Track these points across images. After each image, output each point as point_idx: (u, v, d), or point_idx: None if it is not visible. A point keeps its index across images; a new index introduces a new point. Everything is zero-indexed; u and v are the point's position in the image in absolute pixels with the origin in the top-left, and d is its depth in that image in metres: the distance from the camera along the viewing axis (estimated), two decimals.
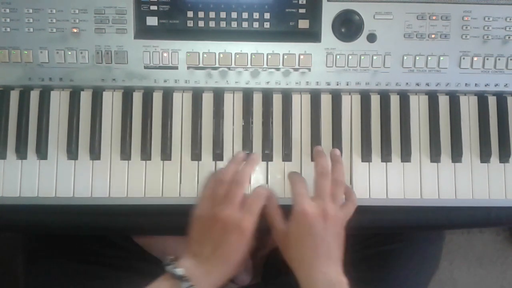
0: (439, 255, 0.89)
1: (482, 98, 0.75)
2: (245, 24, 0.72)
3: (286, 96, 0.74)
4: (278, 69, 0.73)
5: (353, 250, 0.86)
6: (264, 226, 0.74)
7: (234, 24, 0.72)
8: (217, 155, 0.73)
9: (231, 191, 0.67)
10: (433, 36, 0.72)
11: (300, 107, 0.74)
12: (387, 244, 0.83)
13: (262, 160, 0.73)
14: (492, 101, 0.76)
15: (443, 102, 0.75)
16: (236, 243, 0.65)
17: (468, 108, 0.76)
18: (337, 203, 0.67)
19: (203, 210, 0.67)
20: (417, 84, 0.74)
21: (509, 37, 0.73)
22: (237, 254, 0.65)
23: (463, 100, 0.75)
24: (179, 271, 0.62)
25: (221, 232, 0.65)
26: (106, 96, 0.74)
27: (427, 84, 0.74)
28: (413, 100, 0.75)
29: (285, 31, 0.73)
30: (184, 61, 0.72)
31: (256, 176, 0.73)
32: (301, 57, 0.72)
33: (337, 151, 0.71)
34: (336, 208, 0.67)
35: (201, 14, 0.71)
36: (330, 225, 0.65)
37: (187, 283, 0.61)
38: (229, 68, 0.73)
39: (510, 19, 0.72)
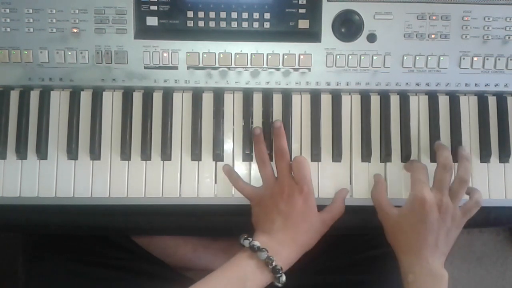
0: None
1: (482, 98, 0.75)
2: (245, 24, 0.72)
3: (286, 96, 0.74)
4: (278, 69, 0.73)
5: (353, 251, 0.86)
6: None
7: (234, 24, 0.72)
8: (217, 155, 0.73)
9: (278, 168, 0.70)
10: (433, 36, 0.72)
11: (300, 107, 0.74)
12: (387, 245, 0.83)
13: None
14: (492, 101, 0.76)
15: (443, 102, 0.75)
16: (303, 208, 0.67)
17: (468, 108, 0.76)
18: (457, 200, 0.67)
19: (259, 191, 0.71)
20: (417, 84, 0.74)
21: (509, 37, 0.73)
22: (308, 221, 0.68)
23: (463, 100, 0.75)
24: (256, 243, 0.64)
25: (287, 203, 0.67)
26: (106, 96, 0.74)
27: (427, 84, 0.74)
28: (413, 100, 0.75)
29: (285, 31, 0.72)
30: (184, 61, 0.72)
31: (257, 176, 0.73)
32: (301, 57, 0.72)
33: (467, 149, 0.72)
34: (454, 204, 0.67)
35: (201, 14, 0.71)
36: (444, 218, 0.66)
37: (265, 253, 0.63)
38: (229, 68, 0.72)
39: (510, 19, 0.72)
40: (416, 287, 0.65)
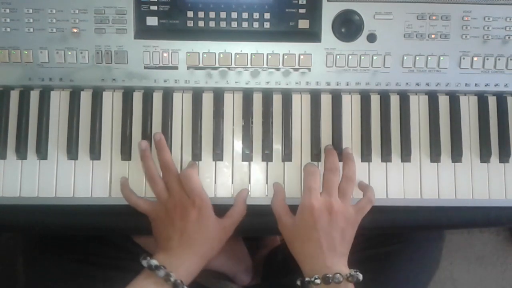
0: (439, 255, 0.89)
1: (482, 98, 0.75)
2: (245, 24, 0.72)
3: (286, 96, 0.74)
4: (278, 69, 0.73)
5: (353, 251, 0.86)
6: (264, 226, 0.74)
7: (234, 24, 0.72)
8: (217, 155, 0.73)
9: (167, 182, 0.69)
10: (433, 36, 0.72)
11: (300, 107, 0.74)
12: (387, 245, 0.83)
13: (262, 160, 0.73)
14: (492, 101, 0.76)
15: (443, 102, 0.75)
16: (198, 220, 0.67)
17: (468, 108, 0.76)
18: (346, 199, 0.68)
19: (154, 206, 0.70)
20: (417, 84, 0.74)
21: (509, 37, 0.73)
22: (206, 231, 0.68)
23: (463, 100, 0.75)
24: (153, 262, 0.64)
25: (181, 218, 0.67)
26: (106, 96, 0.74)
27: (427, 84, 0.74)
28: (413, 100, 0.75)
29: (285, 31, 0.73)
30: (184, 61, 0.72)
31: (257, 176, 0.73)
32: (301, 57, 0.72)
33: (349, 149, 0.72)
34: (344, 203, 0.68)
35: (201, 14, 0.71)
36: (335, 220, 0.66)
37: (163, 271, 0.63)
38: (229, 68, 0.73)
39: (510, 19, 0.72)
40: None
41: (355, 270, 0.66)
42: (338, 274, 0.64)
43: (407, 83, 0.74)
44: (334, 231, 0.66)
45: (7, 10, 0.70)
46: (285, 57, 0.72)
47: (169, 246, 0.67)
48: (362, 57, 0.72)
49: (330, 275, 0.64)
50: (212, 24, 0.72)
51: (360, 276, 0.65)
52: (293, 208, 0.72)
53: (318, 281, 0.64)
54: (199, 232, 0.67)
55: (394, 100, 0.75)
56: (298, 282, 0.67)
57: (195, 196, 0.68)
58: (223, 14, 0.72)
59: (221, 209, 0.73)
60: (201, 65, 0.72)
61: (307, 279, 0.65)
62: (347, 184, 0.69)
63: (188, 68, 0.72)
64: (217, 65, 0.72)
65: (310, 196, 0.67)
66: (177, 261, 0.66)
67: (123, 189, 0.71)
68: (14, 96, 0.73)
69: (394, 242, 0.84)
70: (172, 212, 0.68)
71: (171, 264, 0.65)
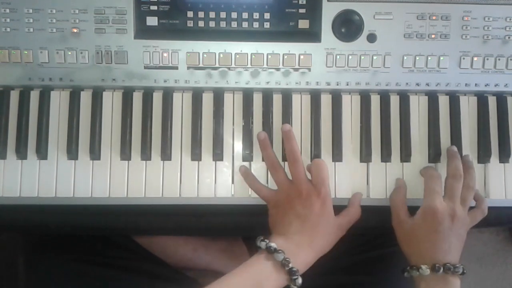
0: None
1: (482, 98, 0.75)
2: (245, 24, 0.72)
3: (286, 96, 0.74)
4: (278, 69, 0.73)
5: (353, 252, 0.86)
6: (264, 226, 0.74)
7: (234, 24, 0.72)
8: (217, 155, 0.73)
9: (293, 171, 0.69)
10: (433, 36, 0.72)
11: (300, 107, 0.74)
12: (388, 246, 0.83)
13: (262, 160, 0.73)
14: (492, 101, 0.76)
15: (443, 102, 0.75)
16: (321, 212, 0.67)
17: (468, 108, 0.76)
18: (466, 207, 0.69)
19: (275, 194, 0.70)
20: (417, 84, 0.74)
21: (509, 37, 0.73)
22: (325, 224, 0.68)
23: (463, 100, 0.75)
24: (273, 244, 0.64)
25: (304, 205, 0.67)
26: (106, 96, 0.74)
27: (427, 84, 0.74)
28: (413, 100, 0.75)
29: (285, 31, 0.72)
30: (184, 61, 0.72)
31: (257, 176, 0.73)
32: (301, 57, 0.72)
33: (469, 157, 0.73)
34: (464, 211, 0.69)
35: (201, 14, 0.71)
36: (456, 226, 0.67)
37: (282, 255, 0.63)
38: (229, 68, 0.72)
39: (510, 19, 0.72)
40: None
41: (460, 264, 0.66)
42: (448, 264, 0.65)
43: (407, 83, 0.74)
44: (453, 237, 0.67)
45: (7, 10, 0.70)
46: (285, 57, 0.72)
47: (289, 232, 0.66)
48: (362, 57, 0.72)
49: (440, 264, 0.65)
50: (212, 24, 0.72)
51: (465, 271, 0.66)
52: None
53: (427, 269, 0.65)
54: (319, 224, 0.67)
55: (394, 100, 0.75)
56: (406, 274, 0.68)
57: (322, 187, 0.68)
58: (223, 14, 0.72)
59: (223, 209, 0.73)
60: (201, 65, 0.72)
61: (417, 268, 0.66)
62: (468, 192, 0.70)
63: (188, 68, 0.72)
64: (217, 65, 0.72)
65: (434, 199, 0.68)
66: (295, 248, 0.65)
67: (246, 176, 0.72)
68: (14, 96, 0.73)
69: (395, 243, 0.84)
70: (295, 199, 0.68)
71: (289, 250, 0.64)
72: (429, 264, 0.66)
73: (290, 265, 0.63)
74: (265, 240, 0.65)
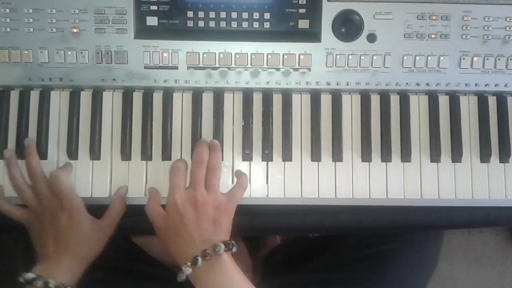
0: (437, 254, 0.89)
1: (482, 98, 0.75)
2: (245, 24, 0.72)
3: (286, 96, 0.74)
4: (278, 69, 0.73)
5: (352, 249, 0.86)
6: (264, 226, 0.74)
7: (234, 24, 0.72)
8: None
9: (34, 186, 0.68)
10: (433, 36, 0.72)
11: (300, 107, 0.74)
12: (385, 243, 0.83)
13: (262, 160, 0.73)
14: (492, 101, 0.76)
15: (443, 102, 0.75)
16: (70, 223, 0.66)
17: (468, 108, 0.76)
18: (213, 189, 0.67)
19: (26, 214, 0.69)
20: (417, 84, 0.74)
21: (509, 37, 0.73)
22: (81, 233, 0.67)
23: (463, 100, 0.75)
24: (29, 275, 0.64)
25: (51, 223, 0.67)
26: (106, 96, 0.74)
27: (427, 84, 0.74)
28: (413, 100, 0.75)
29: (285, 31, 0.73)
30: (184, 61, 0.72)
31: (257, 176, 0.73)
32: (301, 57, 0.72)
33: (216, 141, 0.71)
34: (210, 194, 0.67)
35: (201, 14, 0.71)
36: (202, 211, 0.65)
37: (41, 281, 0.63)
38: (229, 68, 0.73)
39: (510, 19, 0.72)
40: (200, 285, 0.64)
41: (225, 240, 0.64)
42: (207, 251, 0.62)
43: (407, 83, 0.74)
44: (205, 223, 0.65)
45: (7, 10, 0.70)
46: (285, 57, 0.72)
47: (45, 254, 0.66)
48: (362, 57, 0.72)
49: (198, 255, 0.63)
50: (212, 24, 0.72)
51: (232, 246, 0.64)
52: (292, 208, 0.72)
53: (188, 268, 0.63)
54: (73, 236, 0.67)
55: (394, 100, 0.75)
56: (178, 278, 0.65)
57: (62, 198, 0.67)
58: (223, 14, 0.72)
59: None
60: (201, 65, 0.72)
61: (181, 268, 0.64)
62: (211, 174, 0.68)
63: (188, 68, 0.72)
64: (217, 65, 0.72)
65: (173, 193, 0.66)
66: (54, 267, 0.65)
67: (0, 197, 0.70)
68: (14, 96, 0.73)
69: (392, 241, 0.84)
70: (42, 217, 0.67)
71: (48, 272, 0.64)
72: (189, 260, 0.63)
73: (51, 285, 0.63)
74: (22, 273, 0.64)
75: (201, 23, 0.72)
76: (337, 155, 0.73)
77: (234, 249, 0.64)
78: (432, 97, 0.75)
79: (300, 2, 0.72)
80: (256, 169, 0.73)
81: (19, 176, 0.69)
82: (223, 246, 0.63)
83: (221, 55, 0.72)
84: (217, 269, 0.63)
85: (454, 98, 0.75)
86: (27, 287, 0.64)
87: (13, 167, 0.69)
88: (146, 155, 0.72)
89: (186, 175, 0.69)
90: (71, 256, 0.66)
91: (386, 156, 0.74)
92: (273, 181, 0.73)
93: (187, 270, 0.63)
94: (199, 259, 0.63)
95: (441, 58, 0.73)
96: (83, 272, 0.68)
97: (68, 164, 0.71)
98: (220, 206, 0.67)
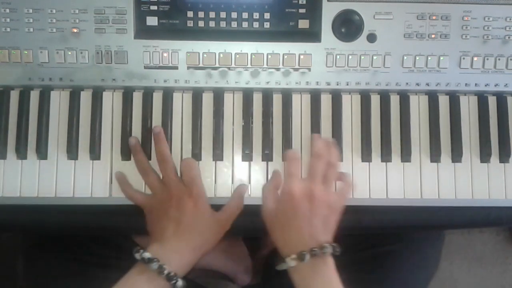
0: (438, 255, 0.89)
1: (482, 98, 0.75)
2: (245, 24, 0.72)
3: (286, 96, 0.74)
4: (278, 69, 0.73)
5: (352, 250, 0.86)
6: (262, 227, 0.74)
7: (234, 24, 0.72)
8: (217, 155, 0.73)
9: (163, 173, 0.70)
10: (433, 36, 0.72)
11: (300, 107, 0.74)
12: (386, 244, 0.83)
13: (262, 160, 0.73)
14: (492, 101, 0.76)
15: (443, 102, 0.75)
16: (194, 211, 0.67)
17: (468, 108, 0.76)
18: (329, 185, 0.67)
19: (149, 199, 0.70)
20: (417, 84, 0.74)
21: (509, 37, 0.73)
22: (201, 223, 0.67)
23: (463, 100, 0.75)
24: (146, 254, 0.64)
25: (177, 208, 0.67)
26: (106, 96, 0.74)
27: (427, 84, 0.74)
28: (413, 100, 0.75)
29: (285, 31, 0.73)
30: (184, 61, 0.72)
31: (257, 176, 0.73)
32: (301, 57, 0.72)
33: (333, 139, 0.72)
34: (326, 190, 0.66)
35: (201, 14, 0.72)
36: (317, 206, 0.64)
37: (156, 264, 0.63)
38: (229, 68, 0.73)
39: (510, 19, 0.72)
40: (299, 279, 0.63)
41: (332, 243, 0.63)
42: (315, 249, 0.61)
43: (407, 83, 0.74)
44: (316, 219, 0.64)
45: (7, 10, 0.70)
46: (285, 57, 0.72)
47: (164, 237, 0.66)
48: (362, 57, 0.72)
49: (305, 251, 0.61)
50: (212, 24, 0.72)
51: (338, 250, 0.63)
52: None
53: (293, 261, 0.62)
54: (194, 224, 0.67)
55: (394, 100, 0.75)
56: (277, 268, 0.64)
57: (193, 186, 0.68)
58: (223, 14, 0.72)
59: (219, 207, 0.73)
60: (201, 65, 0.72)
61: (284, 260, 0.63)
62: (330, 169, 0.67)
63: (188, 68, 0.72)
64: (217, 65, 0.72)
65: (290, 182, 0.65)
66: (170, 252, 0.65)
67: (120, 183, 0.71)
68: (14, 96, 0.73)
69: (393, 242, 0.84)
70: (167, 202, 0.67)
71: (164, 256, 0.64)
72: (295, 253, 0.62)
73: (165, 271, 0.62)
74: (140, 250, 0.64)
75: (201, 23, 0.72)
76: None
77: (338, 253, 0.63)
78: (432, 97, 0.75)
79: (300, 2, 0.72)
80: (256, 169, 0.73)
81: (145, 160, 0.71)
82: (330, 247, 0.62)
83: (221, 55, 0.72)
84: (320, 270, 0.62)
85: (454, 98, 0.75)
86: (139, 264, 0.64)
87: (139, 152, 0.71)
88: (146, 155, 0.72)
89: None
90: (188, 243, 0.66)
91: (386, 156, 0.74)
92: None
93: (291, 263, 0.62)
94: (307, 256, 0.61)
95: (441, 58, 0.73)
96: (193, 264, 0.67)
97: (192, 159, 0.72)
98: (332, 205, 0.66)
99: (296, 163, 0.68)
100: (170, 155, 0.71)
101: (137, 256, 0.64)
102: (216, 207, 0.71)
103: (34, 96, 0.73)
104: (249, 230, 0.75)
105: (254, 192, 0.73)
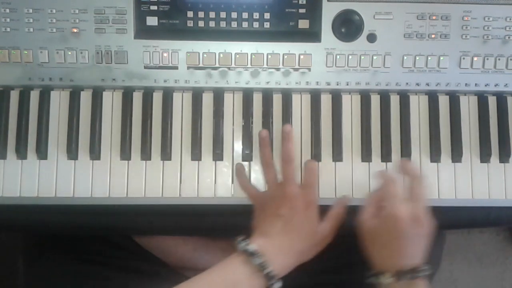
0: (439, 255, 0.88)
1: (482, 98, 0.75)
2: (245, 24, 0.72)
3: (286, 96, 0.74)
4: (278, 69, 0.73)
5: (352, 251, 0.86)
6: None
7: (234, 24, 0.72)
8: (217, 155, 0.73)
9: (284, 171, 0.69)
10: (433, 36, 0.72)
11: (300, 107, 0.74)
12: None
13: None
14: (492, 101, 0.76)
15: (443, 102, 0.75)
16: (304, 215, 0.67)
17: (468, 108, 0.76)
18: (426, 211, 0.66)
19: (263, 194, 0.70)
20: (417, 84, 0.74)
21: (509, 37, 0.73)
22: (308, 228, 0.67)
23: (463, 100, 0.75)
24: (252, 247, 0.62)
25: (290, 206, 0.66)
26: (106, 96, 0.74)
27: (427, 84, 0.74)
28: (413, 100, 0.75)
29: (285, 31, 0.73)
30: (184, 61, 0.72)
31: (257, 176, 0.73)
32: (301, 57, 0.72)
33: (416, 166, 0.71)
34: (426, 215, 0.66)
35: (201, 14, 0.72)
36: (421, 231, 0.64)
37: (260, 259, 0.62)
38: (229, 68, 0.73)
39: (510, 19, 0.72)
40: None
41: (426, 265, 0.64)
42: (414, 270, 0.62)
43: (407, 83, 0.74)
44: (417, 240, 0.64)
45: (7, 10, 0.70)
46: (285, 57, 0.72)
47: (270, 232, 0.65)
48: (362, 57, 0.72)
49: (403, 270, 0.62)
50: (212, 24, 0.72)
51: (430, 270, 0.64)
52: None
53: (390, 278, 0.63)
54: (302, 226, 0.66)
55: (394, 100, 0.75)
56: (368, 280, 0.66)
57: (309, 190, 0.68)
58: (223, 14, 0.72)
59: (223, 209, 0.73)
60: (201, 65, 0.72)
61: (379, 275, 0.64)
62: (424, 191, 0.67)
63: (188, 68, 0.72)
64: (217, 65, 0.72)
65: (394, 204, 0.64)
66: (274, 250, 0.63)
67: (239, 173, 0.72)
68: (14, 96, 0.73)
69: None
70: (280, 200, 0.67)
71: (268, 252, 0.62)
72: (391, 271, 0.63)
73: (267, 270, 0.61)
74: (245, 240, 0.63)
75: (201, 23, 0.72)
76: (337, 155, 0.73)
77: (427, 273, 0.64)
78: (432, 97, 0.75)
79: (300, 2, 0.72)
80: (256, 169, 0.73)
81: (270, 155, 0.71)
82: (427, 270, 0.63)
83: (221, 55, 0.72)
84: None
85: (454, 98, 0.75)
86: (238, 256, 0.63)
87: (267, 145, 0.71)
88: (146, 155, 0.72)
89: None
90: (292, 245, 0.65)
91: (386, 156, 0.74)
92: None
93: (388, 279, 0.63)
94: (406, 276, 0.62)
95: (441, 58, 0.73)
96: (292, 268, 0.65)
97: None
98: (429, 230, 0.66)
99: (396, 184, 0.66)
100: (294, 157, 0.70)
101: (241, 246, 0.63)
102: (217, 210, 0.71)
103: (34, 96, 0.73)
104: (249, 230, 0.75)
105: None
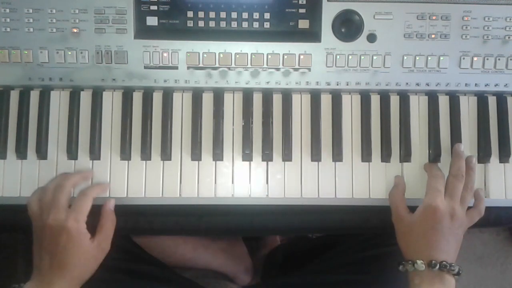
0: None
1: (482, 98, 0.75)
2: (245, 24, 0.72)
3: (286, 96, 0.74)
4: (278, 69, 0.73)
5: (353, 251, 0.86)
6: (264, 226, 0.74)
7: (234, 24, 0.72)
8: (217, 155, 0.73)
9: (54, 197, 0.67)
10: (433, 36, 0.72)
11: (300, 107, 0.74)
12: (388, 245, 0.83)
13: (262, 160, 0.73)
14: (492, 101, 0.76)
15: (443, 102, 0.75)
16: (67, 245, 0.64)
17: (468, 108, 0.76)
18: (465, 207, 0.70)
19: (35, 222, 0.67)
20: (417, 84, 0.74)
21: (509, 37, 0.73)
22: (78, 254, 0.65)
23: (463, 100, 0.75)
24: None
25: (51, 239, 0.64)
26: (106, 96, 0.74)
27: (427, 84, 0.74)
28: (413, 100, 0.75)
29: (285, 31, 0.72)
30: (184, 61, 0.72)
31: (257, 176, 0.73)
32: (301, 57, 0.72)
33: (474, 159, 0.72)
34: (463, 211, 0.69)
35: (201, 14, 0.71)
36: (454, 225, 0.68)
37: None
38: (229, 68, 0.73)
39: (510, 19, 0.72)
40: (418, 283, 0.66)
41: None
42: (445, 262, 0.65)
43: (407, 83, 0.74)
44: (451, 236, 0.67)
45: (7, 10, 0.70)
46: (285, 57, 0.72)
47: (41, 266, 0.64)
48: (362, 57, 0.72)
49: (436, 261, 0.65)
50: (212, 24, 0.72)
51: (460, 273, 0.66)
52: (292, 208, 0.72)
53: (423, 265, 0.65)
54: (70, 256, 0.64)
55: (394, 100, 0.75)
56: (400, 267, 0.68)
57: (74, 215, 0.65)
58: (223, 14, 0.72)
59: (223, 209, 0.73)
60: (201, 65, 0.72)
61: (412, 263, 0.66)
62: (467, 193, 0.70)
63: (188, 68, 0.72)
64: (217, 65, 0.72)
65: (436, 197, 0.68)
66: (46, 286, 0.63)
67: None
68: (14, 96, 0.73)
69: (395, 242, 0.84)
70: (43, 230, 0.65)
71: None
72: (425, 260, 0.66)
73: None
74: (20, 284, 0.63)
75: (201, 23, 0.72)
76: (337, 155, 0.73)
77: (459, 275, 0.66)
78: (432, 97, 0.75)
79: (300, 2, 0.72)
80: (256, 169, 0.73)
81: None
82: (458, 269, 0.66)
83: (221, 55, 0.72)
84: (442, 282, 0.65)
85: (454, 98, 0.75)
86: None
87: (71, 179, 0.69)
88: (146, 155, 0.72)
89: None
90: (64, 277, 0.64)
91: (386, 156, 0.74)
92: (273, 181, 0.73)
93: (420, 267, 0.65)
94: (437, 265, 0.65)
95: (441, 58, 0.73)
96: None
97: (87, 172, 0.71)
98: (464, 226, 0.69)
99: (441, 181, 0.70)
100: (71, 185, 0.68)
101: None
102: (217, 210, 0.71)
103: (34, 96, 0.73)
104: (249, 230, 0.75)
105: (254, 193, 0.73)
